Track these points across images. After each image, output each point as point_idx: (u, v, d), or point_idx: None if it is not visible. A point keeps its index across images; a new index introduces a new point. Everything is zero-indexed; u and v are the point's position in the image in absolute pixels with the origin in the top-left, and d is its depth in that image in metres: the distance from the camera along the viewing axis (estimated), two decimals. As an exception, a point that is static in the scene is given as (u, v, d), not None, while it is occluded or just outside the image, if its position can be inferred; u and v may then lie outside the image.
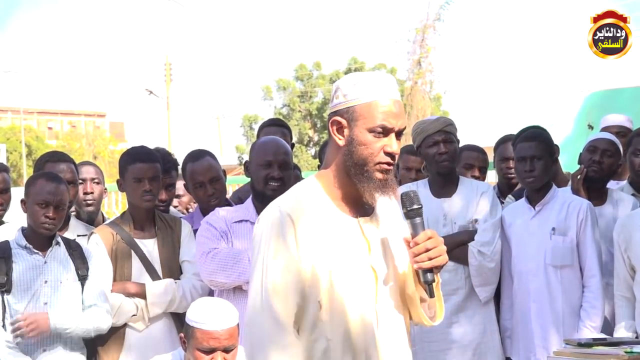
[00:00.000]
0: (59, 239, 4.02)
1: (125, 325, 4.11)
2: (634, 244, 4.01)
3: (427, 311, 2.67)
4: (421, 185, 4.47)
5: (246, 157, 4.43)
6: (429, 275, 2.53)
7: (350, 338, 2.51)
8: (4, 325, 3.84)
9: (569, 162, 6.47)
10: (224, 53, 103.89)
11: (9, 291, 3.87)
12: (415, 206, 2.55)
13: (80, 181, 4.62)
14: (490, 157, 5.34)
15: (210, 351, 3.28)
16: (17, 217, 4.27)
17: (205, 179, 4.48)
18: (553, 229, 4.21)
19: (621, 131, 5.16)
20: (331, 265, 2.50)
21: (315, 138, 35.01)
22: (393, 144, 2.53)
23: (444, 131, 4.37)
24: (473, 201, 4.37)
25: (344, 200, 2.58)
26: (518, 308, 4.28)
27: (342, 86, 2.57)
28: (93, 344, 4.12)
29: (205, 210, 4.36)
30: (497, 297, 4.39)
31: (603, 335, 3.85)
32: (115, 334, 4.11)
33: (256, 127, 25.05)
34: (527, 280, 4.23)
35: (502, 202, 4.63)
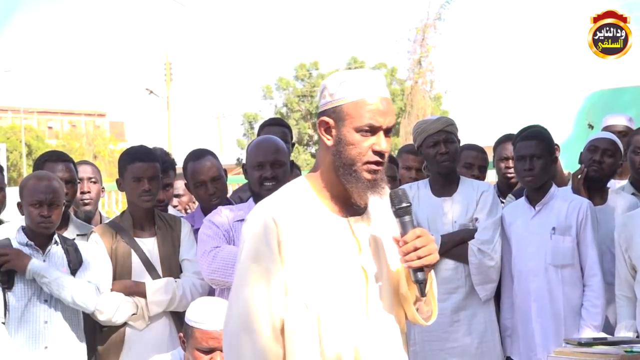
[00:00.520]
0: (57, 238, 4.02)
1: (125, 324, 4.11)
2: (635, 244, 4.00)
3: (424, 310, 2.64)
4: (422, 185, 4.49)
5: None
6: (419, 274, 2.49)
7: (340, 338, 2.47)
8: (4, 323, 3.85)
9: (569, 162, 6.46)
10: (224, 52, 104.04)
11: (10, 288, 3.88)
12: (404, 204, 2.50)
13: (78, 180, 4.62)
14: (490, 156, 5.34)
15: (209, 351, 3.28)
16: (16, 217, 4.26)
17: (206, 178, 4.47)
18: (553, 228, 4.21)
19: (623, 131, 5.16)
20: (319, 266, 2.47)
21: (315, 138, 35.00)
22: (382, 142, 2.48)
23: (445, 131, 4.37)
24: (473, 200, 4.37)
25: (334, 200, 2.54)
26: (518, 307, 4.28)
27: (328, 85, 2.52)
28: (93, 343, 4.13)
29: (206, 210, 4.36)
30: (497, 296, 4.39)
31: (604, 335, 3.84)
32: (115, 333, 4.11)
33: (257, 125, 25.07)
34: (527, 279, 4.23)
35: (501, 202, 4.64)
